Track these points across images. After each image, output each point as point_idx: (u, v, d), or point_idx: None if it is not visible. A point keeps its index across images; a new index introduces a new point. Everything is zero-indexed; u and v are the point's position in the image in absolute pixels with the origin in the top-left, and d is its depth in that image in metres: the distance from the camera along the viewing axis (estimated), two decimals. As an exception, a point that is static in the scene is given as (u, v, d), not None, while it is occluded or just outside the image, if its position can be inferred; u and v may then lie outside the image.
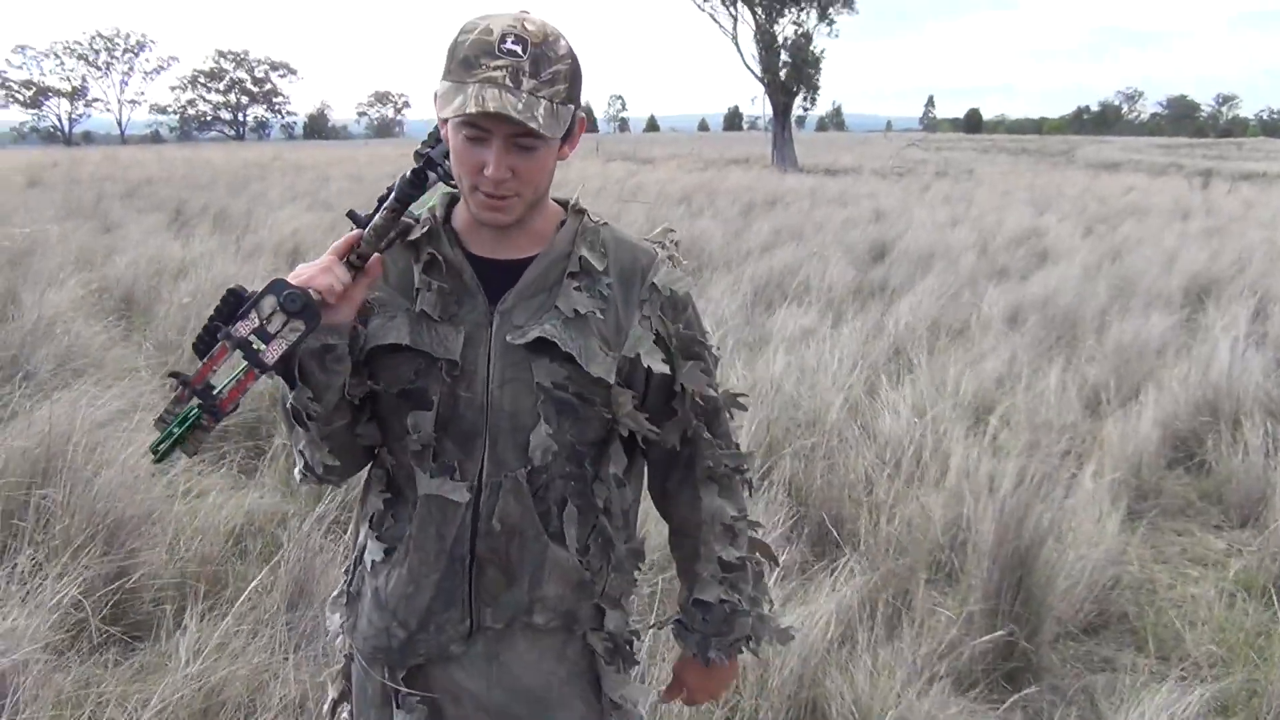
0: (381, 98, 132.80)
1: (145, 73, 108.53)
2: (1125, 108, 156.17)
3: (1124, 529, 4.56)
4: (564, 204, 1.71)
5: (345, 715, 1.87)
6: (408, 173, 1.53)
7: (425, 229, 1.65)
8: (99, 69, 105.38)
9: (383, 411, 1.67)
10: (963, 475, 4.51)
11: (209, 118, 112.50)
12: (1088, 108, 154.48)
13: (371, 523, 1.73)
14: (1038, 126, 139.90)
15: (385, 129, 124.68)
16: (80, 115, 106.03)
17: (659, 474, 1.81)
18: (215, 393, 1.47)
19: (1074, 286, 9.38)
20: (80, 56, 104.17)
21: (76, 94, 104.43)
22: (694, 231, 12.74)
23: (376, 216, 1.53)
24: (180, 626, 3.30)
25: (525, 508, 1.64)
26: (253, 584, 3.45)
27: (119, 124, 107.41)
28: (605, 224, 1.71)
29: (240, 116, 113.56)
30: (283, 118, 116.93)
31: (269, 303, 1.45)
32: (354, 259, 1.53)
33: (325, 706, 1.94)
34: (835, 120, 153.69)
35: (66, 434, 4.14)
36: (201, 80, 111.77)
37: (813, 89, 41.00)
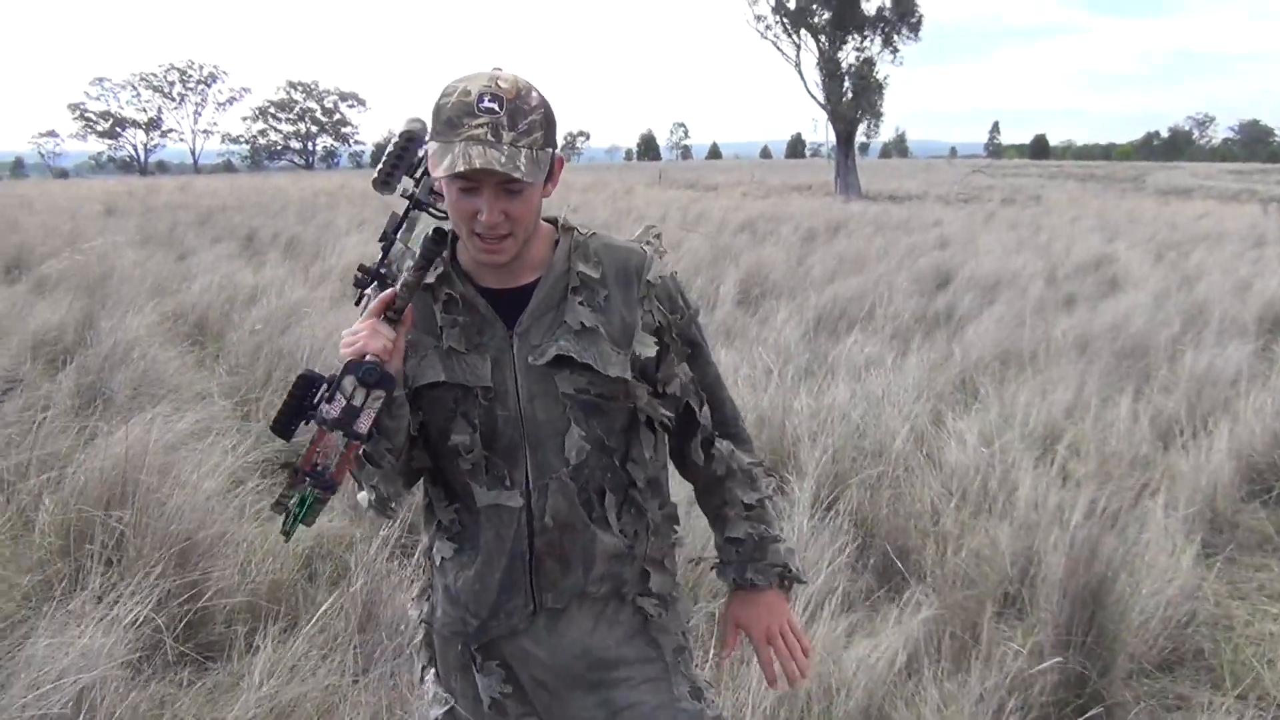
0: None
1: (218, 104, 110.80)
2: (1196, 133, 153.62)
3: (1199, 563, 4.46)
4: (553, 222, 1.88)
5: (431, 677, 2.02)
6: (430, 231, 1.72)
7: (438, 271, 1.81)
8: (174, 100, 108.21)
9: (432, 438, 1.85)
10: (1031, 506, 4.45)
11: (279, 147, 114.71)
12: (1157, 133, 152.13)
13: (440, 528, 1.92)
14: (1106, 152, 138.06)
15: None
16: (155, 145, 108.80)
17: (677, 442, 1.97)
18: (325, 471, 1.67)
19: (1145, 314, 9.22)
20: (155, 88, 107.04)
21: (152, 125, 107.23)
22: (757, 259, 12.74)
23: (407, 275, 1.71)
24: (252, 648, 3.35)
25: (571, 503, 1.82)
26: (324, 608, 3.49)
27: (192, 154, 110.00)
28: (594, 234, 1.88)
29: (310, 146, 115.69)
30: (350, 147, 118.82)
31: (349, 381, 1.65)
32: (390, 314, 1.70)
33: (416, 672, 2.10)
34: (899, 146, 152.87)
35: (141, 457, 4.24)
36: (272, 111, 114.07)
37: (876, 115, 40.91)
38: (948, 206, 27.47)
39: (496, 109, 1.63)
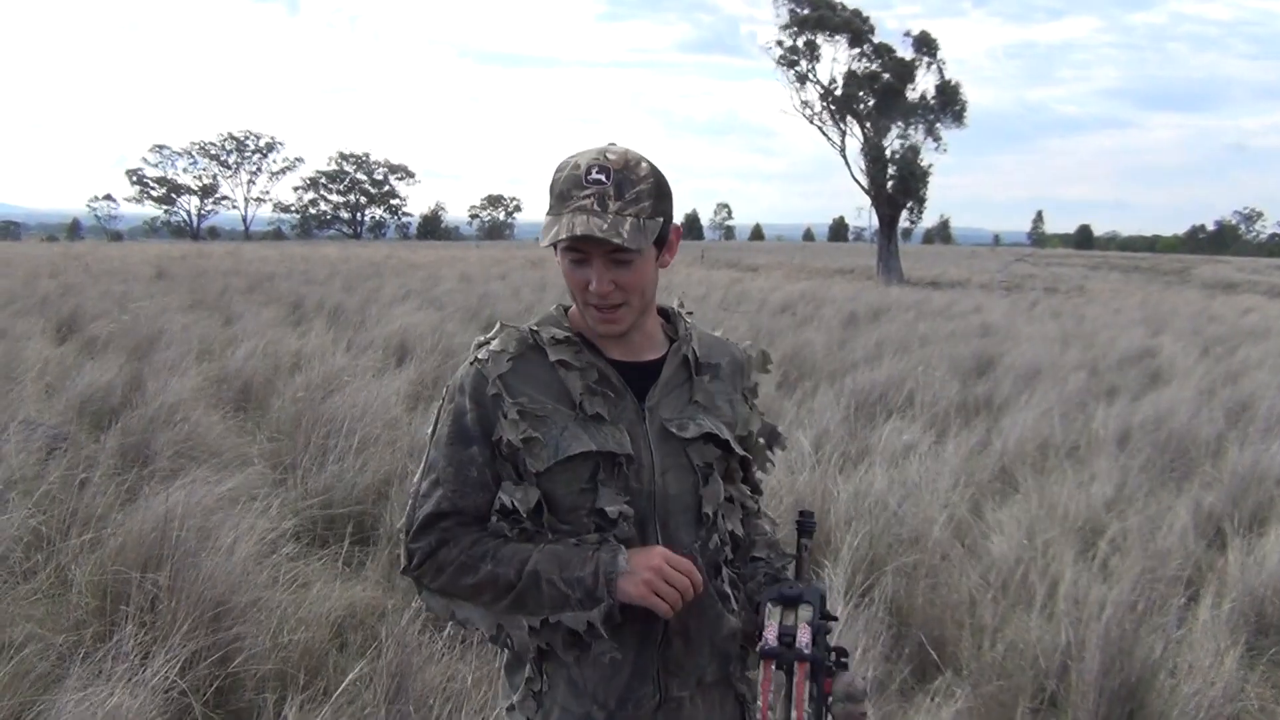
0: (494, 201, 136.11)
1: (272, 173, 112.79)
2: (1243, 227, 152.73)
3: (1243, 665, 4.36)
4: (663, 311, 1.94)
5: None
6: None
7: (560, 339, 1.82)
8: (229, 168, 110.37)
9: (561, 513, 1.80)
10: (1072, 601, 4.38)
11: (329, 216, 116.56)
12: (1203, 226, 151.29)
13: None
14: (1151, 244, 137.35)
15: (496, 231, 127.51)
16: (209, 212, 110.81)
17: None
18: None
19: (1188, 409, 9.11)
20: (212, 156, 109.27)
21: (207, 192, 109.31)
22: (797, 341, 12.75)
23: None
24: (280, 716, 3.34)
25: (703, 578, 1.78)
26: (350, 676, 3.48)
27: (244, 220, 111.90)
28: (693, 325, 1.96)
29: (358, 216, 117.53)
30: (399, 218, 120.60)
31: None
32: None
33: None
34: (942, 233, 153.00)
35: (180, 519, 4.28)
36: (324, 181, 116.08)
37: (919, 202, 41.00)
38: (990, 294, 27.39)
39: (604, 180, 1.68)
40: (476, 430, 1.79)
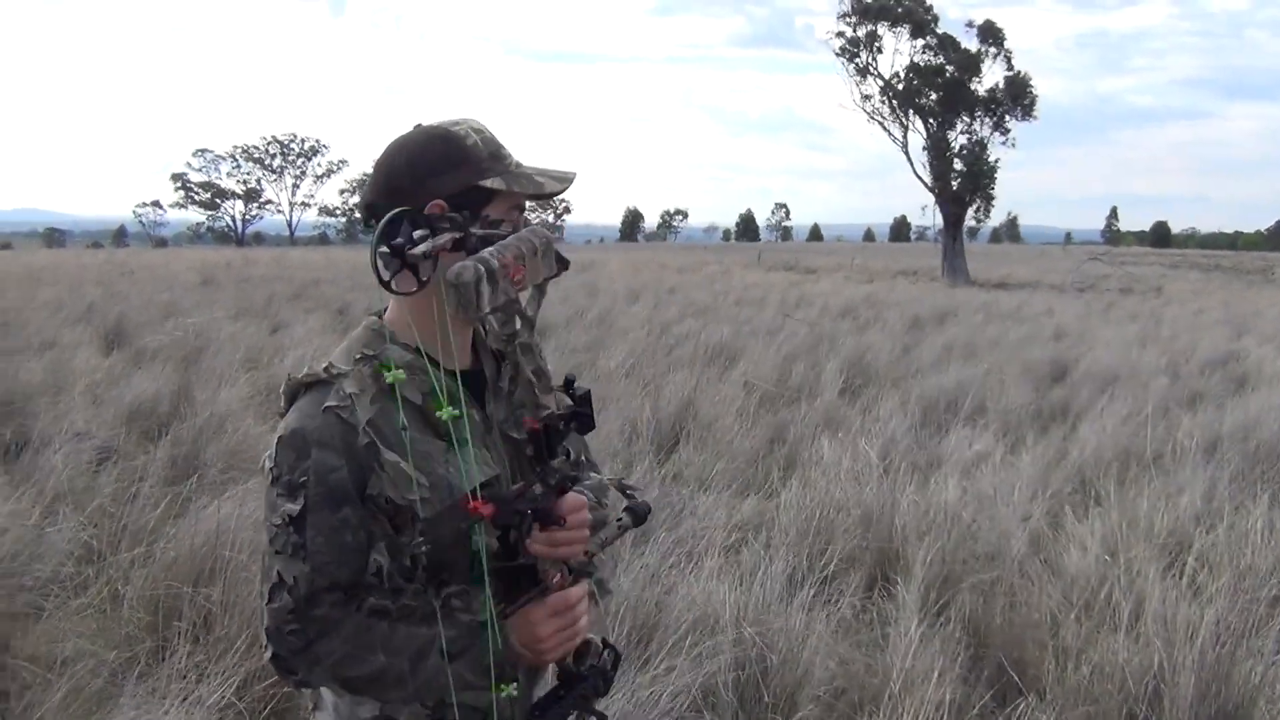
0: (543, 203, 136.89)
1: (316, 176, 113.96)
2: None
3: (1346, 690, 4.24)
4: None
5: None
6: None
7: (406, 364, 1.68)
8: (273, 172, 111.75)
9: (441, 563, 1.70)
10: (1160, 621, 4.28)
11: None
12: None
13: None
14: (1232, 241, 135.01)
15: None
16: (253, 216, 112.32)
17: None
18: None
19: (1278, 416, 8.91)
20: (256, 160, 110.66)
21: (251, 196, 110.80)
22: (859, 346, 12.65)
23: None
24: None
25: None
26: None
27: (289, 225, 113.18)
28: None
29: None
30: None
31: None
32: None
33: None
34: (1010, 231, 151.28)
35: (232, 533, 4.32)
36: (367, 184, 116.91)
37: (987, 199, 40.61)
38: (1062, 295, 27.05)
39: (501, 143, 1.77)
40: (350, 488, 1.62)
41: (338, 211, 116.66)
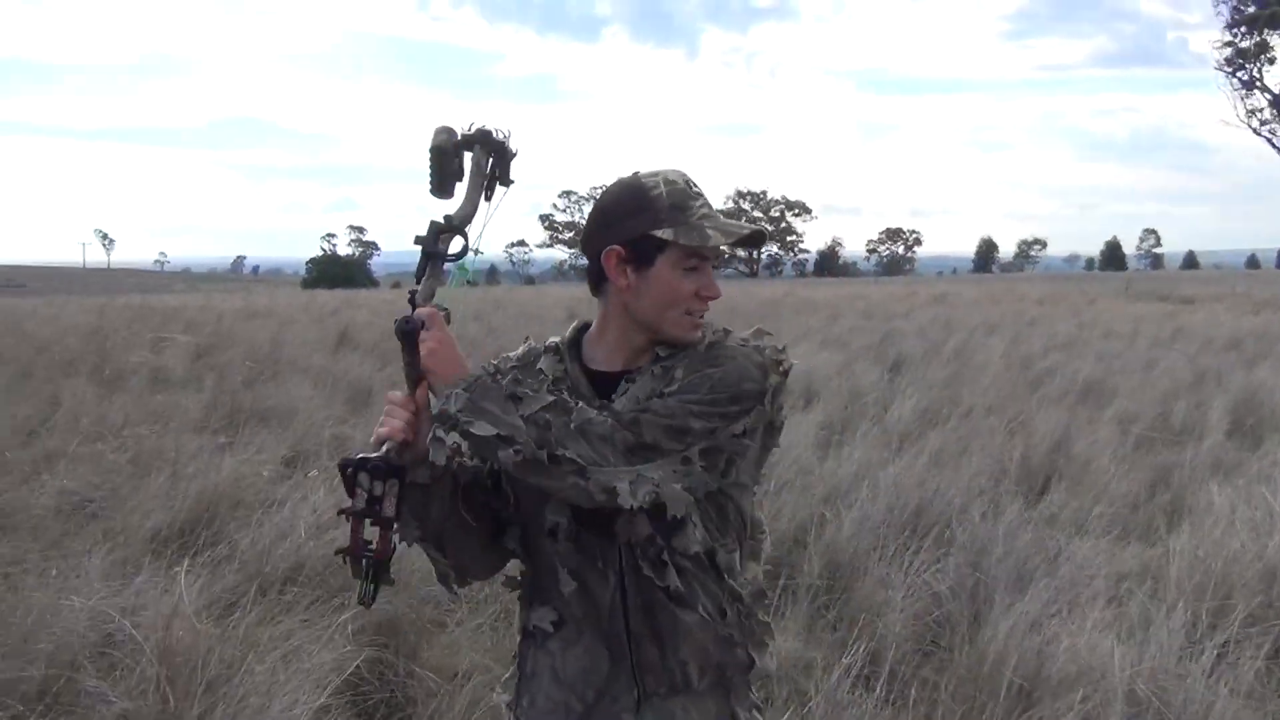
0: (893, 235, 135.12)
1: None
2: None
3: None
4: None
5: None
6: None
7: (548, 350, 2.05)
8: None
9: (527, 516, 1.98)
10: None
11: (727, 256, 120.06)
12: None
13: (537, 605, 2.01)
14: None
15: (894, 266, 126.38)
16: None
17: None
18: (372, 547, 1.82)
19: None
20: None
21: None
22: (1249, 383, 11.58)
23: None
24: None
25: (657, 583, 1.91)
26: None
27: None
28: None
29: (754, 254, 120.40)
30: (795, 255, 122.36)
31: (363, 478, 1.78)
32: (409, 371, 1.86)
33: None
34: None
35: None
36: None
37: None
38: None
39: (702, 192, 1.91)
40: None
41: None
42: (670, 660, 1.92)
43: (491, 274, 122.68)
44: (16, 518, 6.22)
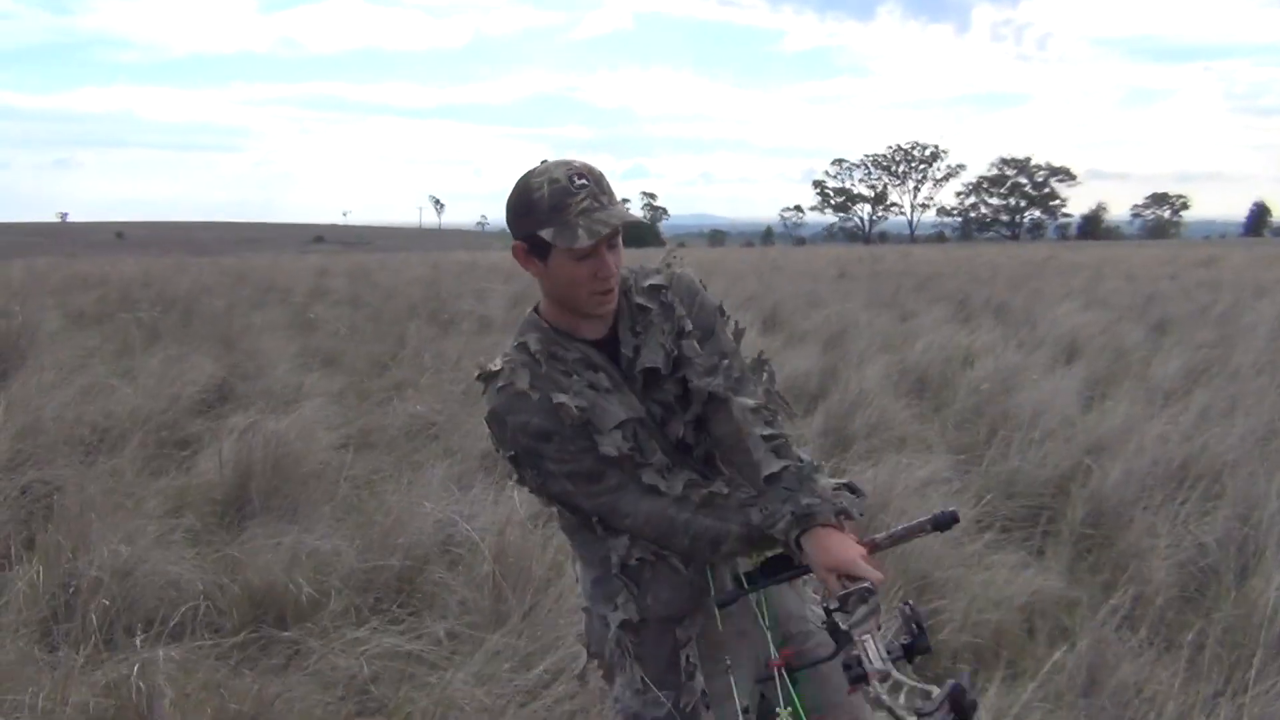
0: (1158, 199, 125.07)
1: (935, 180, 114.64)
2: None
3: None
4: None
5: (637, 680, 2.05)
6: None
7: (550, 347, 1.99)
8: (897, 178, 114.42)
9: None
10: None
11: (988, 219, 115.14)
12: None
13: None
14: None
15: (1160, 230, 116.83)
16: (879, 217, 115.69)
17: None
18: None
19: None
20: (883, 167, 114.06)
21: (878, 199, 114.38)
22: None
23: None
24: (974, 687, 3.37)
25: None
26: (1048, 664, 3.40)
27: (909, 225, 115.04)
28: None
29: (1017, 218, 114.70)
30: (1057, 219, 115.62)
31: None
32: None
33: (623, 677, 2.08)
34: None
35: (885, 498, 4.51)
36: (985, 186, 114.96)
37: None
38: None
39: (588, 182, 1.84)
40: (545, 426, 1.93)
41: (955, 212, 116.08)
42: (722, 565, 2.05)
43: (767, 236, 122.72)
44: (374, 435, 6.84)
